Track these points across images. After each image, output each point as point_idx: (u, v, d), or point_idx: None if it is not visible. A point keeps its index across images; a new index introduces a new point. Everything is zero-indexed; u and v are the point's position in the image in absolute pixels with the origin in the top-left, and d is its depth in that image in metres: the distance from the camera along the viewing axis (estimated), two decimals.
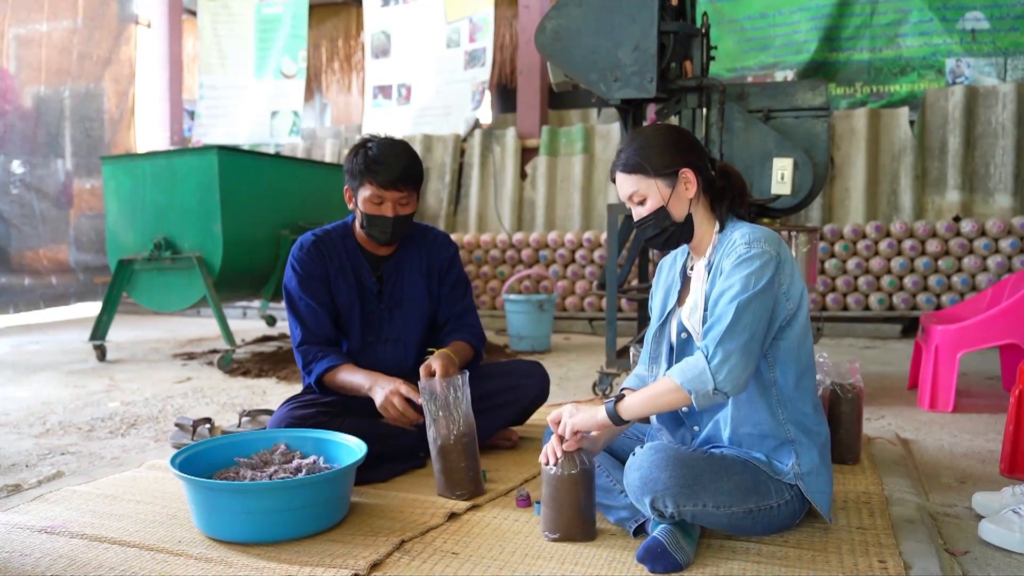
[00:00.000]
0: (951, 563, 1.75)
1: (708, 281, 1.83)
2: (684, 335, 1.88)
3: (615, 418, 1.78)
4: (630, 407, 1.77)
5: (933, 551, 1.77)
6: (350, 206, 2.50)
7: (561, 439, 1.84)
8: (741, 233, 1.80)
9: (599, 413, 1.81)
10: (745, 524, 1.75)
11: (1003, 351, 3.54)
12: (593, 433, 1.93)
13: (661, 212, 1.85)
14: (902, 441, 2.75)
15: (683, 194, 1.85)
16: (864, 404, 2.57)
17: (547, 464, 1.84)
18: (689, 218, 1.87)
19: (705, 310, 1.81)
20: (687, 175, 1.84)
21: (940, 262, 5.49)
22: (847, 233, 5.67)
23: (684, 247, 1.97)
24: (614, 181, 1.92)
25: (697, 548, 1.75)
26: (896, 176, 6.05)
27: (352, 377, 2.38)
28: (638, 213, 1.89)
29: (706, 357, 1.68)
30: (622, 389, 1.84)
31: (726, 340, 1.68)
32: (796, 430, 1.82)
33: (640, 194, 1.86)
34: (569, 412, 1.84)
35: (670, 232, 1.88)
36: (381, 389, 2.29)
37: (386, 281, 2.56)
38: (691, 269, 1.95)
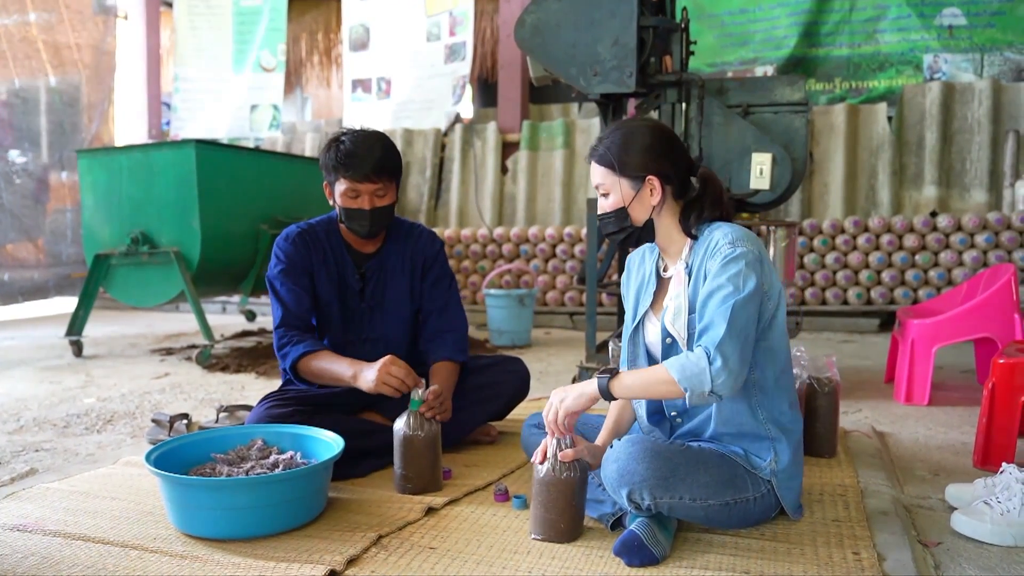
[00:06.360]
0: (924, 554, 1.76)
1: (691, 285, 1.82)
2: (669, 340, 1.87)
3: (605, 393, 1.77)
4: (623, 387, 1.75)
5: (907, 542, 1.78)
6: (331, 202, 2.45)
7: (558, 441, 1.81)
8: (723, 233, 1.79)
9: (588, 388, 1.78)
10: (721, 517, 1.76)
11: (978, 345, 3.58)
12: (599, 440, 1.97)
13: (621, 212, 1.86)
14: (878, 434, 2.78)
15: (646, 200, 1.85)
16: (841, 398, 2.59)
17: (539, 462, 1.81)
18: (650, 222, 1.87)
19: (691, 313, 1.80)
20: (653, 183, 1.83)
21: (917, 257, 5.54)
22: (826, 228, 5.71)
23: (653, 244, 1.96)
24: (590, 163, 1.94)
25: (674, 541, 1.76)
26: (874, 171, 6.11)
27: (332, 365, 2.28)
28: (601, 206, 1.91)
29: (708, 358, 1.66)
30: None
31: (725, 344, 1.66)
32: (775, 428, 1.83)
33: (605, 188, 1.88)
34: (560, 397, 1.81)
35: (628, 232, 1.89)
36: (370, 369, 2.19)
37: (369, 280, 2.52)
38: (665, 270, 1.94)
